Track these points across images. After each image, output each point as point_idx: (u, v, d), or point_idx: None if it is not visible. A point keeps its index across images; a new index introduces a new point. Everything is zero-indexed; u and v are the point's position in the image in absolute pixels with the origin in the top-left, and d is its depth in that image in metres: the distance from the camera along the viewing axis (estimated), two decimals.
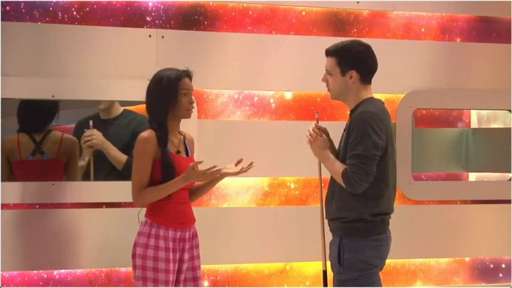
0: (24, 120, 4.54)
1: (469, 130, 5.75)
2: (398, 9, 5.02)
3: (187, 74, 3.87)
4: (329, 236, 3.75)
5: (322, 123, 3.81)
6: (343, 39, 3.81)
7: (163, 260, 3.73)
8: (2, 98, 4.29)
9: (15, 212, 4.35)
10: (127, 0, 4.54)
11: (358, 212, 3.58)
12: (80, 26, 4.46)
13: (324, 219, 3.79)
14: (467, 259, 5.21)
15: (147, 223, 3.80)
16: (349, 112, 3.71)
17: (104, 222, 4.47)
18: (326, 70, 3.72)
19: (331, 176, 3.71)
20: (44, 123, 4.58)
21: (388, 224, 3.70)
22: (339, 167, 3.59)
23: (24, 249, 4.36)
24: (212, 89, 4.71)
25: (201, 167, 3.77)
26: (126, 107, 4.69)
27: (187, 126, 4.09)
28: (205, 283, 4.70)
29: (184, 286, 3.87)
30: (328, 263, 3.75)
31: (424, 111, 5.57)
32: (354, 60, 3.65)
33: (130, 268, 3.84)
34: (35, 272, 4.43)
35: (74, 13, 4.47)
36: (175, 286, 3.81)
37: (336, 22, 4.92)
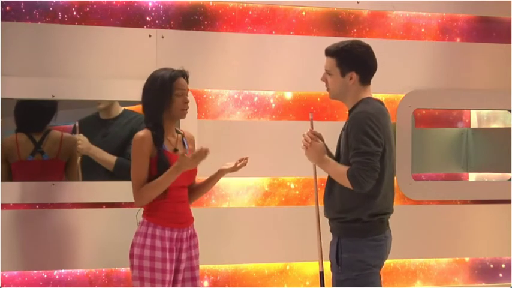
0: (23, 120, 4.53)
1: (469, 130, 5.76)
2: (398, 9, 5.02)
3: (183, 74, 3.87)
4: (329, 236, 3.75)
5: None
6: (343, 39, 3.81)
7: (160, 260, 3.74)
8: (2, 98, 4.29)
9: (15, 212, 4.35)
10: (127, 0, 4.54)
11: (356, 213, 3.58)
12: (80, 26, 4.46)
13: (324, 218, 3.79)
14: (467, 259, 5.21)
15: (144, 223, 3.81)
16: (347, 112, 3.71)
17: (103, 222, 4.47)
18: (325, 70, 3.72)
19: (328, 176, 3.71)
20: (43, 122, 4.57)
21: (388, 224, 3.70)
22: (342, 168, 3.59)
23: (24, 249, 4.36)
24: (212, 89, 4.71)
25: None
26: (126, 107, 4.69)
27: (188, 126, 4.09)
28: (205, 283, 4.70)
29: (182, 286, 3.87)
30: (329, 263, 3.75)
31: (424, 111, 5.57)
32: (354, 62, 3.65)
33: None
34: (35, 272, 4.43)
35: (74, 13, 4.47)
36: (173, 286, 3.81)
37: (336, 22, 4.92)
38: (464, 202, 5.15)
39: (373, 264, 3.60)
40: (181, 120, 4.08)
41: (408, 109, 4.98)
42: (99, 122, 4.64)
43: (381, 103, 3.71)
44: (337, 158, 3.71)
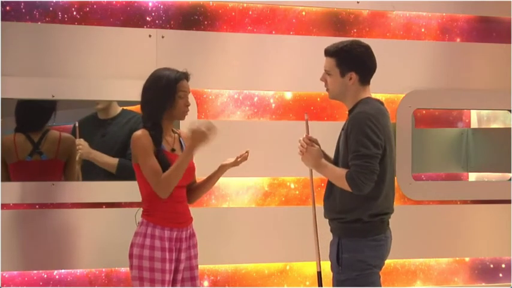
0: (22, 119, 4.52)
1: (469, 130, 5.75)
2: (398, 9, 5.02)
3: (186, 76, 3.87)
4: (329, 236, 3.75)
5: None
6: (343, 39, 3.81)
7: (159, 260, 3.73)
8: (2, 98, 4.29)
9: (15, 212, 4.35)
10: (127, 0, 4.54)
11: (357, 213, 3.58)
12: (80, 26, 4.46)
13: (324, 218, 3.79)
14: (467, 259, 5.21)
15: (143, 223, 3.81)
16: (347, 112, 3.71)
17: (104, 222, 4.47)
18: (325, 70, 3.72)
19: None
20: (42, 122, 4.57)
21: (388, 224, 3.70)
22: (340, 171, 3.59)
23: (24, 249, 4.36)
24: (212, 89, 4.71)
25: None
26: (125, 107, 4.69)
27: (188, 126, 4.07)
28: (205, 283, 4.70)
29: (181, 286, 3.87)
30: (327, 263, 3.75)
31: (424, 111, 5.57)
32: (354, 62, 3.65)
33: None
34: (35, 272, 4.43)
35: (74, 13, 4.47)
36: (172, 286, 3.81)
37: (336, 22, 4.92)
38: (464, 202, 5.15)
39: (373, 264, 3.61)
40: (181, 121, 4.08)
41: (408, 109, 4.98)
42: (97, 122, 4.64)
43: (381, 103, 3.71)
44: (336, 158, 3.71)
